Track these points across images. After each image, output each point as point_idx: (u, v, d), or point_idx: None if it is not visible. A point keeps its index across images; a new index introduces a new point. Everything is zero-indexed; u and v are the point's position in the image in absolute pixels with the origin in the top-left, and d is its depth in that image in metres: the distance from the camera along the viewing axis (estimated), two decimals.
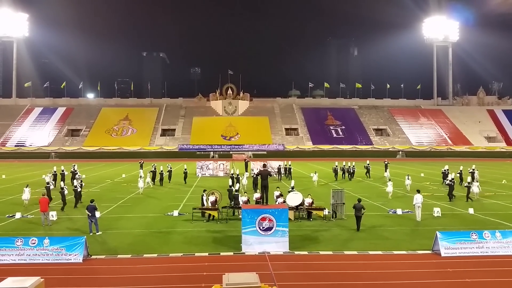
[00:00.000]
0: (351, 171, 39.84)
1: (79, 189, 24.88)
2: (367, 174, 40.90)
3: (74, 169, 36.28)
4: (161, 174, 35.61)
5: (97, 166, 57.13)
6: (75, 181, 28.05)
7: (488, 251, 14.79)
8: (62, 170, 34.49)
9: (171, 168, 38.99)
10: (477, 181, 32.30)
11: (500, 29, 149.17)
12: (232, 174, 32.52)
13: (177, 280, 12.56)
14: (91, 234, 17.55)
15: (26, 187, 25.17)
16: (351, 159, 49.62)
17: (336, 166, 39.35)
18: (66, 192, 23.73)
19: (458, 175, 33.59)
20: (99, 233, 17.74)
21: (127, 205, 25.47)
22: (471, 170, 34.28)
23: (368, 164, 41.89)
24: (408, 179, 31.47)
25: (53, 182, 31.40)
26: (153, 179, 35.46)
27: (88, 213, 17.88)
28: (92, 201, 18.50)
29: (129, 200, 27.24)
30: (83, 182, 29.04)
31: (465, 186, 27.10)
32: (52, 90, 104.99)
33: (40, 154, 78.77)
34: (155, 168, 36.70)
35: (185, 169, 37.50)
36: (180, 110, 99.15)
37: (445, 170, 34.05)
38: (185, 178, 36.80)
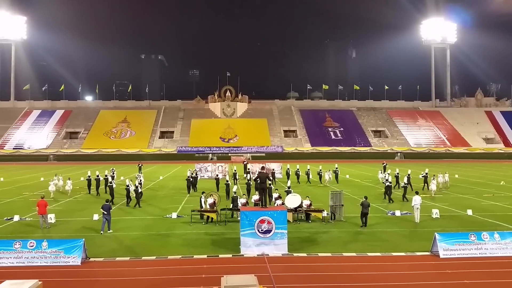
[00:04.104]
0: (336, 174, 38.36)
1: (139, 189, 26.11)
2: (336, 179, 38.06)
3: (112, 173, 35.75)
4: (188, 180, 32.41)
5: (95, 169, 56.85)
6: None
7: (487, 252, 14.81)
8: (97, 175, 32.08)
9: (196, 174, 35.73)
10: (442, 184, 34.14)
11: (498, 31, 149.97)
12: (227, 182, 29.84)
13: (176, 282, 12.54)
14: (101, 233, 18.13)
15: (69, 180, 30.16)
16: (348, 161, 49.57)
17: (320, 170, 39.03)
18: (131, 189, 25.67)
19: (406, 178, 32.33)
20: (110, 231, 18.36)
21: (126, 207, 25.43)
22: (423, 174, 33.82)
23: (336, 169, 39.36)
24: (381, 172, 34.60)
25: (113, 181, 29.65)
26: (194, 185, 32.74)
27: (104, 211, 18.32)
28: (107, 200, 19.14)
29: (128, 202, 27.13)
30: (142, 180, 29.11)
31: (401, 187, 28.72)
32: (51, 92, 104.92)
33: (39, 157, 78.74)
34: (192, 174, 33.84)
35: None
36: (179, 113, 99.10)
37: (396, 174, 34.26)
38: (227, 192, 30.72)
